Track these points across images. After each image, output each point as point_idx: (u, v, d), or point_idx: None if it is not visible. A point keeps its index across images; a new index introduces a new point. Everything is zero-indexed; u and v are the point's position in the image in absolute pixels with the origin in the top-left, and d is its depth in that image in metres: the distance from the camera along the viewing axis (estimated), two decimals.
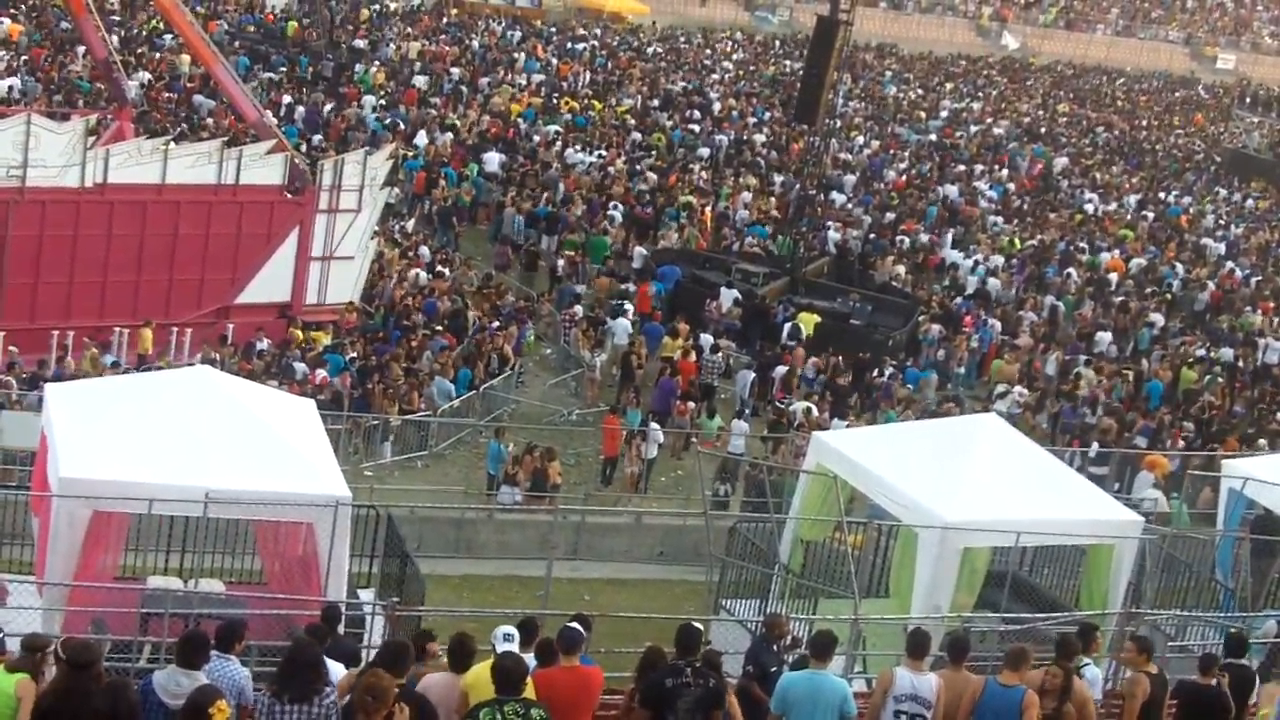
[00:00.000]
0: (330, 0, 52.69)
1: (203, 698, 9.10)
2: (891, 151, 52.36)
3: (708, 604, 18.01)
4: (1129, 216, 49.36)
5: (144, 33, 47.05)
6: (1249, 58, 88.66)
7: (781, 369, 30.04)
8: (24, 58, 41.38)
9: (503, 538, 22.58)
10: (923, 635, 11.55)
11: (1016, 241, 42.97)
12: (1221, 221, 51.16)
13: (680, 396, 27.96)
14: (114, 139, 28.19)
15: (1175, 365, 33.66)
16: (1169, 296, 39.86)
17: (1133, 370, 32.89)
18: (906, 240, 41.27)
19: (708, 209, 40.56)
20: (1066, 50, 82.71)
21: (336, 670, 10.33)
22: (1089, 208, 49.31)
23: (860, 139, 53.06)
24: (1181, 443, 28.31)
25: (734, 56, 65.96)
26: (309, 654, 9.76)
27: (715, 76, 59.82)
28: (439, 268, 32.76)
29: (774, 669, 12.18)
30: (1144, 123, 68.48)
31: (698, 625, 11.42)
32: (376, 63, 49.48)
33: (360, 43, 51.37)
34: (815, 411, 27.25)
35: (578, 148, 43.75)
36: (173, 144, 27.40)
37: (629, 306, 31.78)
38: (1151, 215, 50.11)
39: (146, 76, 41.10)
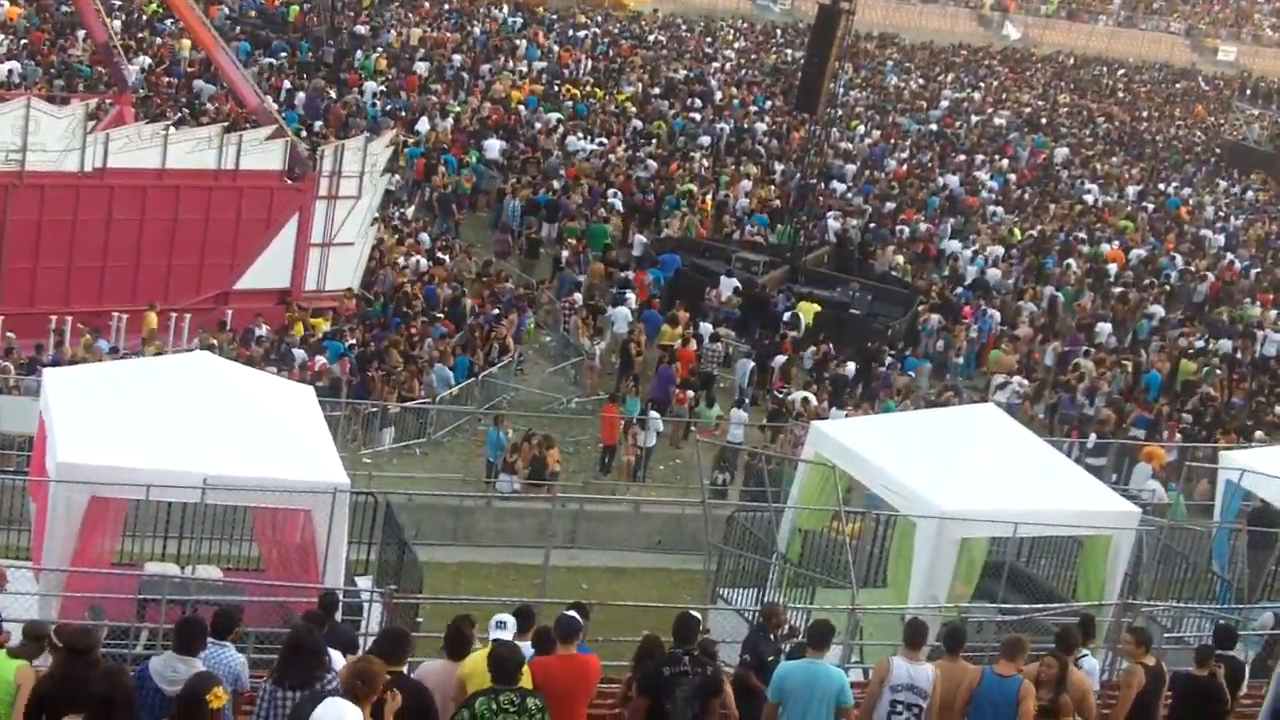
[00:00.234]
0: None
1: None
2: (892, 141, 52.34)
3: (705, 593, 18.02)
4: (1129, 208, 49.36)
5: (145, 17, 47.01)
6: (1250, 49, 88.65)
7: (781, 358, 30.06)
8: (24, 41, 41.31)
9: (501, 525, 22.58)
10: (920, 625, 11.55)
11: (1017, 232, 42.98)
12: (1221, 213, 51.16)
13: (679, 385, 27.97)
14: (114, 124, 28.14)
15: (1174, 357, 33.68)
16: (1168, 288, 39.87)
17: (1131, 361, 32.91)
18: (906, 230, 41.27)
19: (708, 197, 40.54)
20: (1068, 41, 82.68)
21: (336, 658, 10.33)
22: (1089, 198, 49.32)
23: (861, 128, 53.04)
24: (1179, 435, 28.33)
25: (735, 45, 65.89)
26: (310, 641, 9.75)
27: (716, 65, 59.75)
28: (439, 254, 32.75)
29: (771, 658, 12.18)
30: (1144, 114, 68.46)
31: (695, 614, 11.43)
32: (378, 49, 49.42)
33: (361, 28, 51.31)
34: (813, 401, 27.27)
35: (579, 135, 43.72)
36: (173, 129, 27.34)
37: (630, 295, 31.79)
38: (1151, 206, 50.12)
39: (147, 61, 41.04)
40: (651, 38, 63.10)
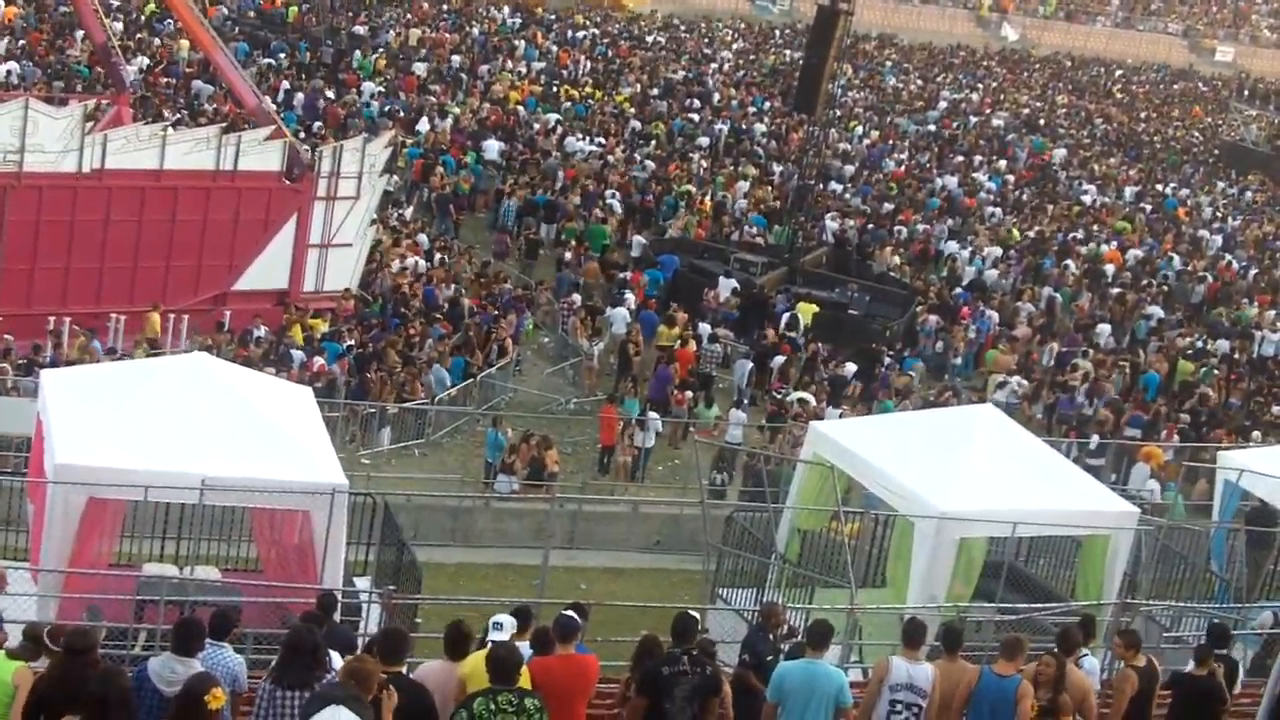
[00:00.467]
0: None
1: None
2: (890, 142, 52.34)
3: (704, 593, 18.00)
4: (1127, 208, 49.37)
5: (143, 17, 46.97)
6: (1247, 50, 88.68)
7: (779, 359, 30.06)
8: (22, 42, 41.29)
9: (499, 526, 22.58)
10: (918, 625, 11.55)
11: (1015, 232, 42.99)
12: (1219, 214, 51.19)
13: (678, 385, 27.96)
14: (112, 124, 28.11)
15: (1172, 357, 33.68)
16: (1166, 288, 39.88)
17: (1129, 362, 32.92)
18: (905, 230, 41.27)
19: (706, 198, 40.54)
20: (1066, 42, 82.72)
21: (335, 659, 10.33)
22: (1087, 199, 49.33)
23: (859, 129, 53.04)
24: (1177, 435, 28.33)
25: (734, 46, 65.90)
26: (309, 641, 9.74)
27: (715, 66, 59.75)
28: (437, 255, 32.73)
29: (770, 658, 12.18)
30: (1142, 115, 68.48)
31: (694, 614, 11.42)
32: (376, 49, 49.41)
33: (360, 29, 51.29)
34: (812, 401, 27.27)
35: (577, 136, 43.71)
36: (171, 130, 27.35)
37: (629, 295, 31.78)
38: (1149, 207, 50.13)
39: (145, 61, 41.01)
40: (650, 39, 63.09)
